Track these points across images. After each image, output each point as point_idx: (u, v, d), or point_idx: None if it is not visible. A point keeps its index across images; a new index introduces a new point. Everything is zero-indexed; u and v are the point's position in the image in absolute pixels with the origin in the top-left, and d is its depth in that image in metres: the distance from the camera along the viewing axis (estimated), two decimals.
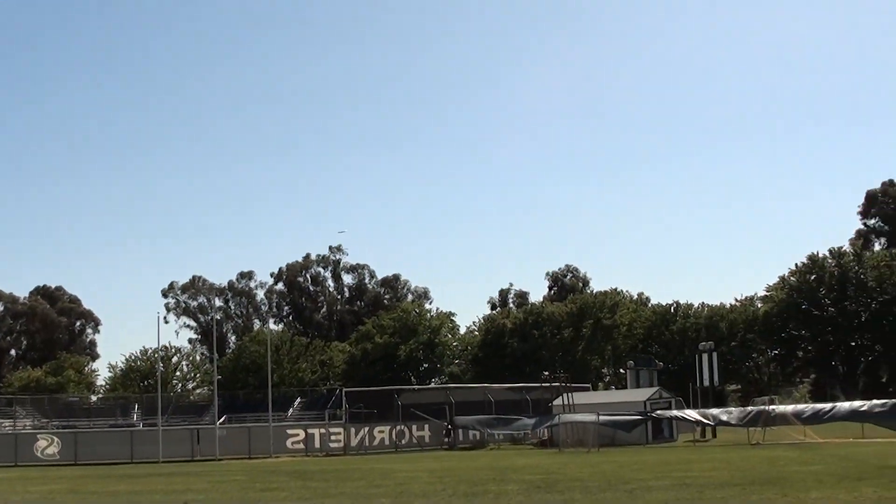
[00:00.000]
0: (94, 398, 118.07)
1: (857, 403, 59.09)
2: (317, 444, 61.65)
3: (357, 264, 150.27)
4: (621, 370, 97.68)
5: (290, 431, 63.53)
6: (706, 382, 71.23)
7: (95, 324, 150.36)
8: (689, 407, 67.70)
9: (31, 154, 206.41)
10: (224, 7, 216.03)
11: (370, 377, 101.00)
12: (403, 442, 62.73)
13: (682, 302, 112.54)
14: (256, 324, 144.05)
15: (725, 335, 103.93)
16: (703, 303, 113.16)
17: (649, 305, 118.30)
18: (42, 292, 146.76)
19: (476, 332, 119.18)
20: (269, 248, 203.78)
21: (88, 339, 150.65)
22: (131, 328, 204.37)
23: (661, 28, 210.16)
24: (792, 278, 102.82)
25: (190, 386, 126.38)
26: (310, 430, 63.40)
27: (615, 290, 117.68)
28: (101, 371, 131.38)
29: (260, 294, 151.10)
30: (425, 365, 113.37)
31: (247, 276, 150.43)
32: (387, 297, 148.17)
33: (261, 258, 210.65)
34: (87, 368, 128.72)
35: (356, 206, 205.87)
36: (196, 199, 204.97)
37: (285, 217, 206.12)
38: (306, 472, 38.97)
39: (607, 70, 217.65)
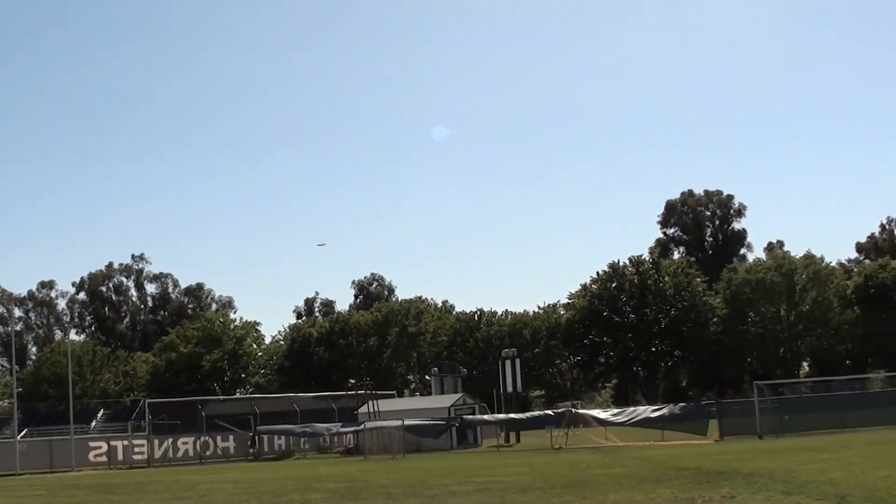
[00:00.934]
0: None
1: (657, 407, 61.48)
2: (120, 457, 60.62)
3: (160, 273, 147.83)
4: (427, 377, 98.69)
5: (92, 444, 62.13)
6: (510, 388, 72.70)
7: None
8: (493, 412, 69.16)
9: None
10: None
11: (174, 388, 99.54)
12: (208, 453, 62.16)
13: (485, 309, 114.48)
14: (58, 334, 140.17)
15: (529, 342, 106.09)
16: (506, 310, 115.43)
17: (454, 313, 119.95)
18: None
19: (282, 342, 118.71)
20: (71, 257, 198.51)
21: None
22: None
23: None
24: (594, 286, 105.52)
25: None
26: (112, 443, 62.25)
27: (420, 297, 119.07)
28: None
29: (61, 304, 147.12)
30: (230, 375, 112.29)
31: (47, 285, 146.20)
32: (191, 306, 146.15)
33: (62, 267, 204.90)
34: None
35: (159, 214, 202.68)
36: None
37: (87, 225, 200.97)
38: (109, 485, 38.48)
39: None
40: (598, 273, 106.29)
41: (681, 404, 62.59)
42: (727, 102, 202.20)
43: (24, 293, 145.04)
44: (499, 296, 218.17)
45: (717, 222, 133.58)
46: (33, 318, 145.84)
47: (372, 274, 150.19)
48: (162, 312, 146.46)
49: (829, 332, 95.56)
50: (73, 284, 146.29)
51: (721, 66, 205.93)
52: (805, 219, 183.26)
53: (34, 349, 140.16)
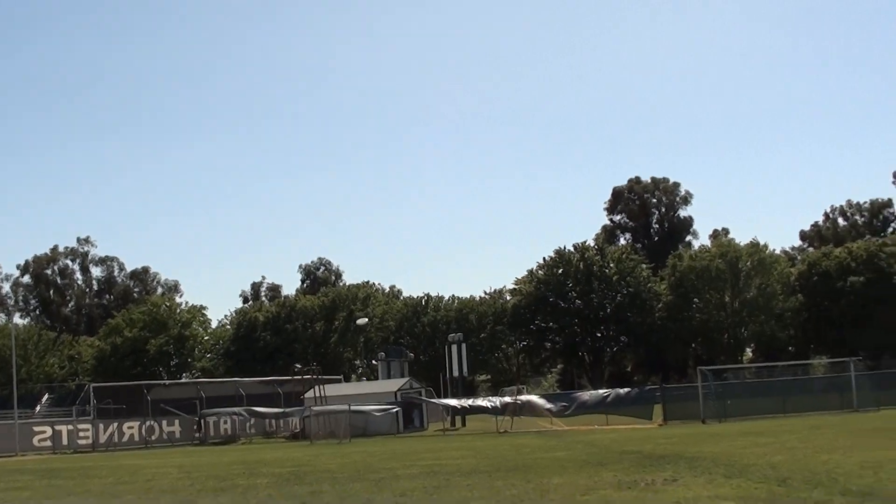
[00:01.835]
0: None
1: (601, 392, 61.92)
2: (65, 442, 60.15)
3: (106, 256, 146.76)
4: (373, 361, 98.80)
5: (36, 429, 61.53)
6: (456, 373, 72.94)
7: None
8: (439, 397, 69.31)
9: None
10: None
11: (120, 372, 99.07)
12: (154, 438, 61.80)
13: (432, 294, 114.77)
14: (2, 318, 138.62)
15: (475, 327, 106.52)
16: (453, 295, 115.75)
17: (401, 298, 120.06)
18: None
19: (228, 326, 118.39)
20: (15, 240, 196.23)
21: None
22: None
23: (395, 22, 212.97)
24: (540, 272, 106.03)
25: None
26: (57, 427, 61.72)
27: (367, 282, 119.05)
28: None
29: (5, 287, 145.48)
30: (176, 360, 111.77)
31: None
32: (136, 290, 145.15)
33: (6, 250, 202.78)
34: None
35: (105, 196, 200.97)
36: None
37: (32, 207, 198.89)
38: (53, 470, 38.21)
39: (342, 58, 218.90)
40: (544, 259, 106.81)
41: (626, 389, 63.08)
42: (676, 91, 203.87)
43: None
44: (446, 281, 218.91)
45: (664, 209, 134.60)
46: None
47: (319, 258, 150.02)
48: (107, 296, 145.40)
49: (773, 319, 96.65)
50: (18, 267, 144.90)
51: (671, 54, 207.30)
52: (750, 207, 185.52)
53: None
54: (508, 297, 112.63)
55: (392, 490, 21.36)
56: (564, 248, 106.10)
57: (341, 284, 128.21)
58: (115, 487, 27.59)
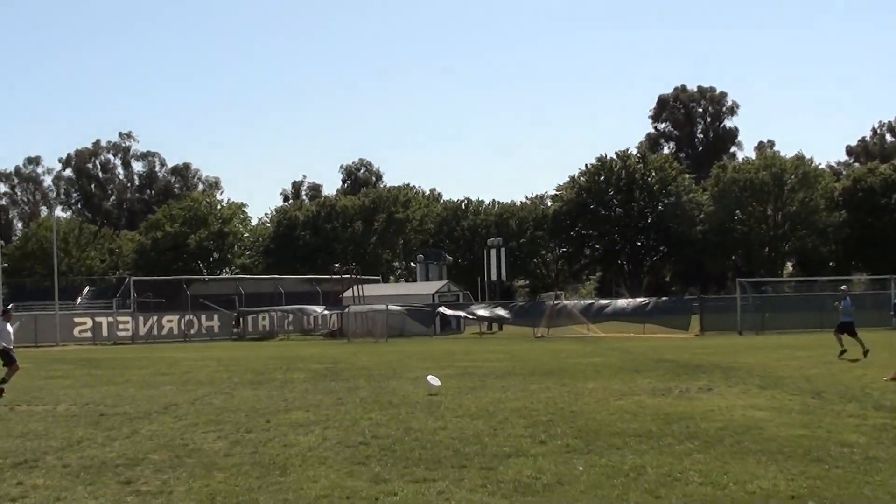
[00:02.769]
0: None
1: (639, 300, 61.89)
2: (104, 333, 60.99)
3: (148, 152, 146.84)
4: (412, 264, 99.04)
5: (77, 320, 62.51)
6: (494, 277, 73.03)
7: None
8: (476, 301, 69.49)
9: None
10: None
11: (160, 267, 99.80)
12: (192, 332, 62.53)
13: (473, 198, 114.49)
14: (44, 211, 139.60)
15: (515, 232, 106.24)
16: (493, 200, 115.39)
17: (441, 201, 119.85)
18: None
19: (268, 224, 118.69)
20: (58, 133, 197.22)
21: None
22: None
23: None
24: (581, 179, 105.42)
25: None
26: (97, 319, 62.58)
27: (408, 185, 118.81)
28: None
29: (48, 180, 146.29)
30: (215, 255, 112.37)
31: (34, 161, 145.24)
32: (177, 185, 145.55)
33: (48, 143, 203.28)
34: None
35: (148, 91, 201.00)
36: None
37: (75, 101, 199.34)
38: (93, 360, 38.77)
39: None
40: (586, 166, 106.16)
41: (664, 298, 63.01)
42: None
43: (10, 169, 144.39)
44: (486, 185, 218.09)
45: (709, 119, 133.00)
46: (19, 193, 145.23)
47: (360, 159, 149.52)
48: (148, 191, 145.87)
49: (815, 234, 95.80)
50: (60, 161, 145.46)
51: None
52: (797, 120, 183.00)
53: (20, 225, 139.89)
54: (549, 203, 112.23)
55: (427, 388, 21.51)
56: (606, 155, 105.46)
57: (382, 186, 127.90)
58: (153, 378, 27.94)
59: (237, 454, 13.06)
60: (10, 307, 28.11)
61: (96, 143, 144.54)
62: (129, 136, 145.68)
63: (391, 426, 15.55)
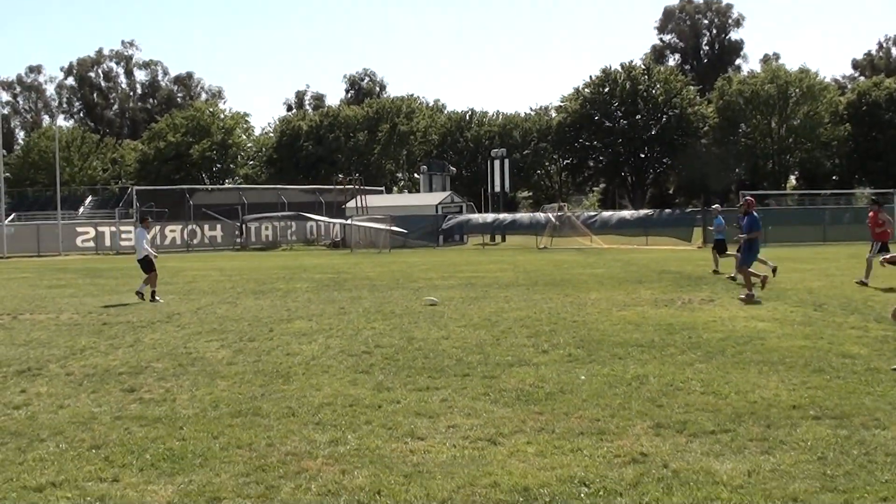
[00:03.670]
0: None
1: (642, 212, 61.89)
2: (107, 243, 61.04)
3: (150, 60, 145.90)
4: (416, 175, 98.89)
5: (80, 230, 62.52)
6: (497, 189, 72.92)
7: None
8: (480, 212, 69.50)
9: None
10: None
11: (162, 176, 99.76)
12: (195, 242, 62.60)
13: (477, 109, 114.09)
14: (46, 120, 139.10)
15: (519, 143, 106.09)
16: (498, 111, 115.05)
17: (445, 112, 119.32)
18: None
19: (271, 134, 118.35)
20: (60, 42, 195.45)
21: None
22: None
23: None
24: (586, 90, 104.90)
25: None
26: (100, 229, 62.60)
27: (412, 95, 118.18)
28: None
29: (50, 89, 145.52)
30: (218, 166, 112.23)
31: (36, 69, 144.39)
32: (180, 95, 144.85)
33: (50, 52, 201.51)
34: None
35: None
36: None
37: (76, 8, 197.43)
38: (95, 269, 38.87)
39: None
40: (590, 77, 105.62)
41: (668, 210, 62.97)
42: None
43: (11, 77, 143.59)
44: (490, 96, 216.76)
45: (714, 31, 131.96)
46: (21, 102, 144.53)
47: (364, 69, 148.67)
48: (151, 100, 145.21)
49: (819, 147, 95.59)
50: (62, 69, 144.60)
51: None
52: (802, 33, 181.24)
53: (21, 134, 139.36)
54: (553, 115, 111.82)
55: (432, 296, 21.56)
56: (611, 67, 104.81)
57: (385, 96, 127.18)
58: (156, 287, 27.99)
59: (240, 363, 13.11)
60: (147, 216, 28.48)
61: (99, 52, 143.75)
62: (131, 44, 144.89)
63: (394, 335, 15.61)
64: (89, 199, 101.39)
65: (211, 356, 13.74)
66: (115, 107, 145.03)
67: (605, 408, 9.68)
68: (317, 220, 63.64)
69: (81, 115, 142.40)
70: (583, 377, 11.41)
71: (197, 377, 11.99)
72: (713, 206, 39.28)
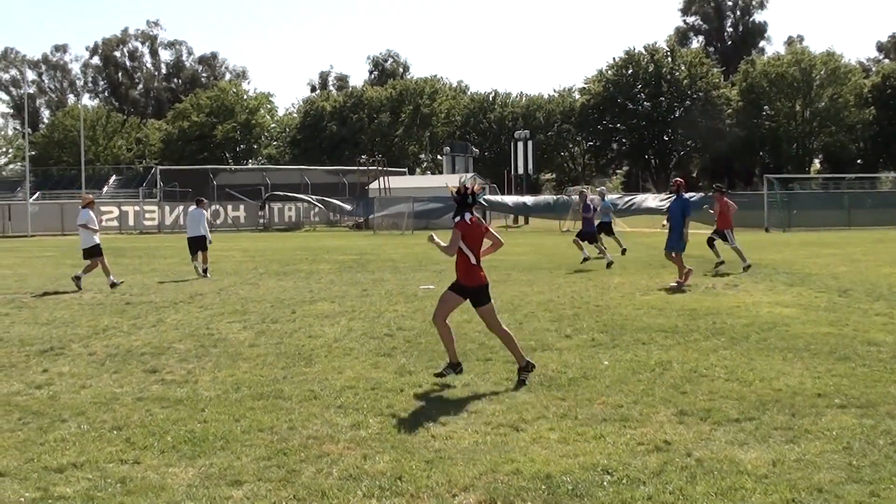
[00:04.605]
0: None
1: (666, 195, 61.57)
2: (131, 223, 61.30)
3: (175, 40, 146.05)
4: (438, 157, 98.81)
5: (104, 209, 62.57)
6: (521, 170, 72.79)
7: None
8: (503, 193, 69.41)
9: None
10: None
11: (186, 156, 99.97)
12: (218, 222, 62.69)
13: (500, 91, 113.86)
14: (71, 99, 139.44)
15: (542, 125, 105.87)
16: (521, 92, 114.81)
17: (468, 94, 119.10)
18: None
19: (295, 115, 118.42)
20: (86, 21, 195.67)
21: None
22: None
23: None
24: (609, 72, 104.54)
25: (2, 162, 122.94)
26: (124, 208, 62.87)
27: (435, 77, 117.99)
28: None
29: (75, 68, 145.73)
30: (242, 146, 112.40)
31: (61, 48, 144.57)
32: (204, 75, 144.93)
33: (76, 31, 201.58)
34: None
35: None
36: None
37: None
38: (119, 248, 38.92)
39: None
40: (614, 59, 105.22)
41: (691, 194, 62.54)
42: None
43: (37, 56, 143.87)
44: (514, 77, 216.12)
45: (739, 13, 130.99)
46: (46, 81, 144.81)
47: (388, 50, 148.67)
48: (175, 80, 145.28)
49: (843, 131, 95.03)
50: (87, 49, 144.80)
51: None
52: (827, 15, 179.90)
53: (47, 113, 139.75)
54: (577, 97, 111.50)
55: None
56: (635, 49, 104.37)
57: (409, 77, 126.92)
58: (179, 267, 28.09)
59: (262, 344, 13.10)
60: (203, 199, 28.86)
61: (124, 31, 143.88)
62: (156, 24, 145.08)
63: (416, 318, 15.58)
64: (113, 178, 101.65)
65: (233, 337, 13.74)
66: (140, 86, 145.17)
67: (629, 394, 9.62)
68: (338, 203, 63.58)
69: (106, 94, 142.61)
70: (606, 362, 11.35)
71: (219, 359, 11.99)
72: (599, 189, 39.22)
